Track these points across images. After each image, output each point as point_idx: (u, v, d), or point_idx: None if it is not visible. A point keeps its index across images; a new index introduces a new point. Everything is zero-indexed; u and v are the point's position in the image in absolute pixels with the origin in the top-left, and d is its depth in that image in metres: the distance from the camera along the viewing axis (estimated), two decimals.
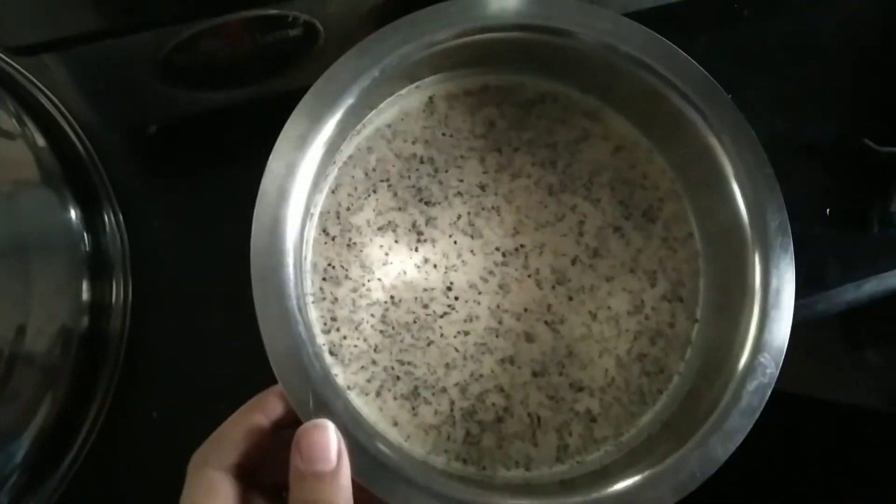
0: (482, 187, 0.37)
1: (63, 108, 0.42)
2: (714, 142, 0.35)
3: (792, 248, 0.34)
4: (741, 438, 0.31)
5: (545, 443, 0.35)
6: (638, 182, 0.38)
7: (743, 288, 0.34)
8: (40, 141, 0.40)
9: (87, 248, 0.40)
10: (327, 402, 0.29)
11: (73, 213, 0.40)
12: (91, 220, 0.41)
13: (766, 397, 0.32)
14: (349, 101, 0.33)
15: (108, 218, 0.42)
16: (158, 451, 0.38)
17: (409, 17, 0.34)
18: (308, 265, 0.35)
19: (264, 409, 0.30)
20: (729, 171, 0.35)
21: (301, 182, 0.32)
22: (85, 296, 0.39)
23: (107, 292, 0.40)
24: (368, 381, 0.34)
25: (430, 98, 0.38)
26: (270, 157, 0.32)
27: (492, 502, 0.30)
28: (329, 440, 0.28)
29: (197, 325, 0.41)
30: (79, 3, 0.32)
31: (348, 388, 0.34)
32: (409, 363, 0.35)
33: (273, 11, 0.36)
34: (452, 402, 0.35)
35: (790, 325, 0.33)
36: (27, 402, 0.36)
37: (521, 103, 0.38)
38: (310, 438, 0.27)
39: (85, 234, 0.40)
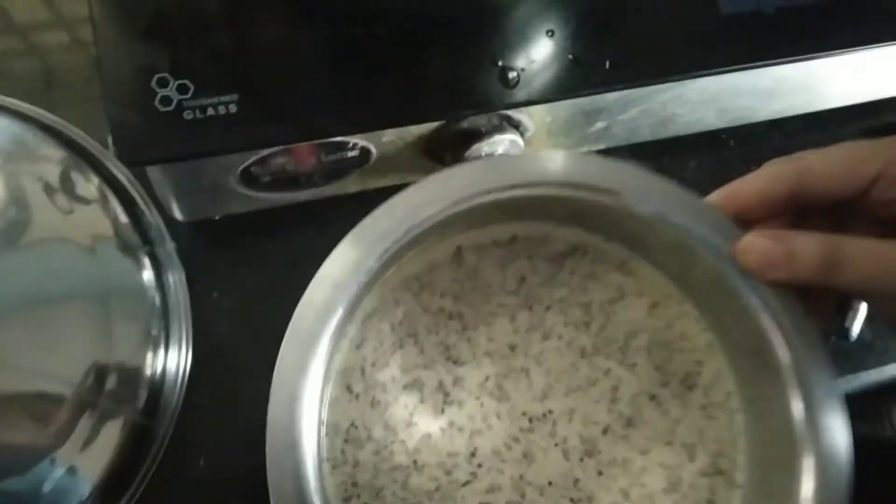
0: (512, 348, 0.36)
1: (140, 187, 0.46)
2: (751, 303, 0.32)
3: (840, 401, 0.31)
4: None
5: None
6: (676, 344, 0.36)
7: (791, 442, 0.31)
8: (117, 208, 0.45)
9: (157, 306, 0.44)
10: None
11: (144, 275, 0.44)
12: (160, 282, 0.45)
13: None
14: (370, 264, 0.32)
15: (175, 282, 0.46)
16: (205, 494, 0.43)
17: (441, 175, 0.34)
18: (328, 427, 0.35)
19: None
20: (768, 332, 0.32)
21: (318, 359, 0.31)
22: (151, 347, 0.43)
23: (171, 345, 0.44)
24: None
25: (458, 249, 0.37)
26: (288, 329, 0.31)
27: None
28: None
29: (244, 387, 0.43)
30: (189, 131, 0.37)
31: None
32: None
33: (338, 139, 0.41)
34: None
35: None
36: (94, 446, 0.40)
37: (552, 256, 0.37)
38: None
39: (155, 294, 0.44)
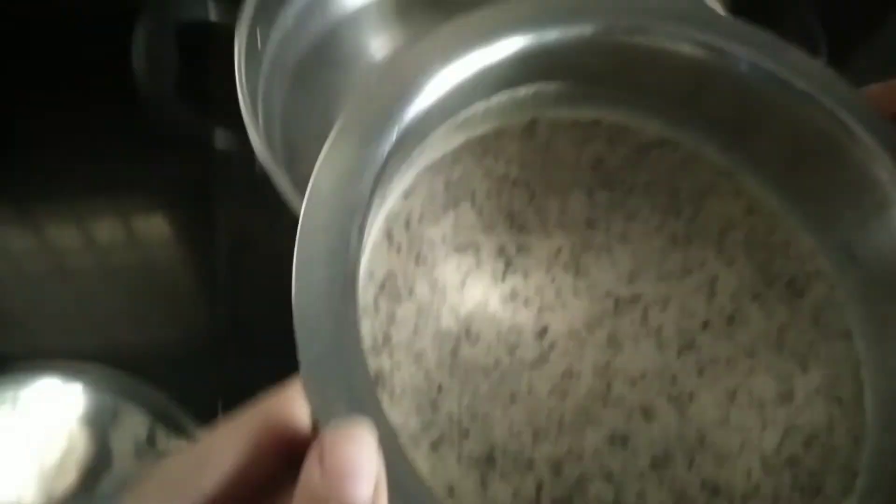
0: (589, 223, 0.29)
1: None
2: None
3: None
4: None
5: None
6: (779, 250, 0.30)
7: None
8: None
9: None
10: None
11: None
12: None
13: None
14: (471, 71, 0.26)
15: None
16: None
17: None
18: (361, 271, 0.26)
19: (279, 416, 0.19)
20: None
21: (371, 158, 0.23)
22: None
23: None
24: (423, 428, 0.24)
25: (533, 121, 0.31)
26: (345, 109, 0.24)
27: None
28: (369, 459, 0.16)
29: None
30: None
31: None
32: (483, 417, 0.24)
33: None
34: (541, 484, 0.24)
35: None
36: None
37: (636, 145, 0.32)
38: (340, 448, 0.16)
39: None
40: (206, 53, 0.51)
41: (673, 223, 0.30)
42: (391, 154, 0.23)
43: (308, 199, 0.21)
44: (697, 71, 0.27)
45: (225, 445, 0.17)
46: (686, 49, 0.27)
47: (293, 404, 0.18)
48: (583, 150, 0.31)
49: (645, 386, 0.26)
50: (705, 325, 0.28)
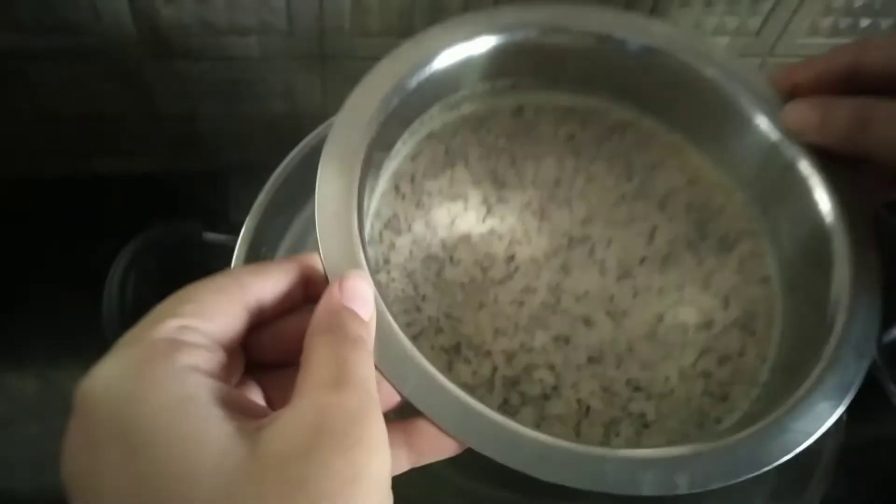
0: (556, 182, 0.37)
1: None
2: (800, 175, 0.33)
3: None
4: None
5: (589, 435, 0.30)
6: (715, 212, 0.37)
7: (816, 352, 0.29)
8: None
9: None
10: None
11: None
12: None
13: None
14: (457, 58, 0.33)
15: None
16: None
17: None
18: (371, 212, 0.34)
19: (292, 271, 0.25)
20: (816, 206, 0.33)
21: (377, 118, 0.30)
22: None
23: None
24: (408, 325, 0.31)
25: (520, 107, 0.39)
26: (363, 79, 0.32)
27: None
28: (370, 295, 0.24)
29: None
30: None
31: None
32: (456, 318, 0.32)
33: None
34: (495, 368, 0.31)
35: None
36: None
37: (604, 127, 0.39)
38: (354, 282, 0.24)
39: None
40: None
41: (625, 185, 0.37)
42: (394, 114, 0.31)
43: (327, 144, 0.29)
44: (642, 64, 0.35)
45: (277, 270, 0.24)
46: (630, 47, 0.35)
47: (315, 262, 0.26)
48: (559, 128, 0.39)
49: (587, 302, 0.33)
50: (642, 260, 0.35)
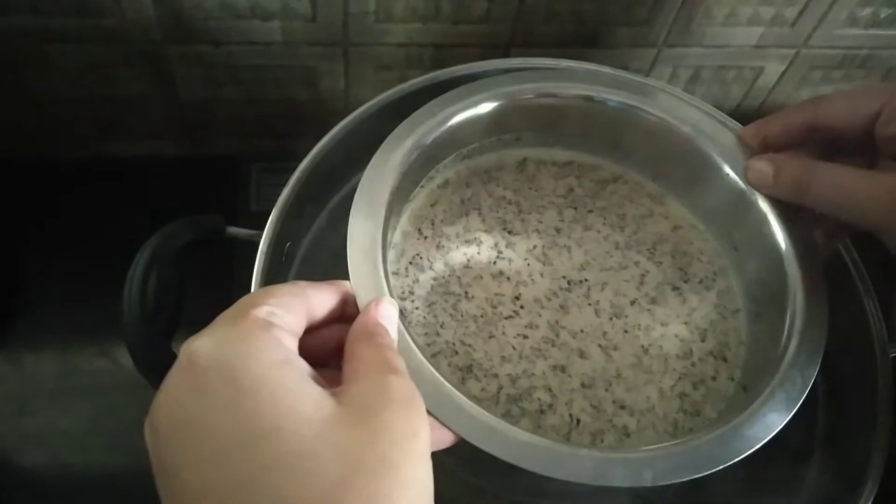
0: (557, 230, 0.42)
1: None
2: (766, 218, 0.39)
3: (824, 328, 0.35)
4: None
5: (577, 441, 0.35)
6: (696, 256, 0.43)
7: (771, 369, 0.35)
8: None
9: None
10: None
11: None
12: None
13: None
14: (465, 117, 0.40)
15: None
16: None
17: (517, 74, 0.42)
18: (394, 250, 0.40)
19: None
20: (778, 246, 0.38)
21: (405, 161, 0.36)
22: None
23: None
24: (428, 345, 0.37)
25: (524, 159, 0.45)
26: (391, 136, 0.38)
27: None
28: (396, 317, 0.29)
29: None
30: None
31: None
32: (469, 345, 0.37)
33: None
34: (501, 387, 0.36)
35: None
36: None
37: (597, 180, 0.45)
38: (386, 305, 0.29)
39: None
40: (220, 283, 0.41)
41: (618, 235, 0.43)
42: (413, 164, 0.37)
43: (358, 193, 0.35)
44: (621, 121, 0.41)
45: (328, 289, 0.29)
46: (609, 105, 0.41)
47: (351, 288, 0.30)
48: (559, 182, 0.45)
49: (583, 337, 0.39)
50: (633, 302, 0.40)
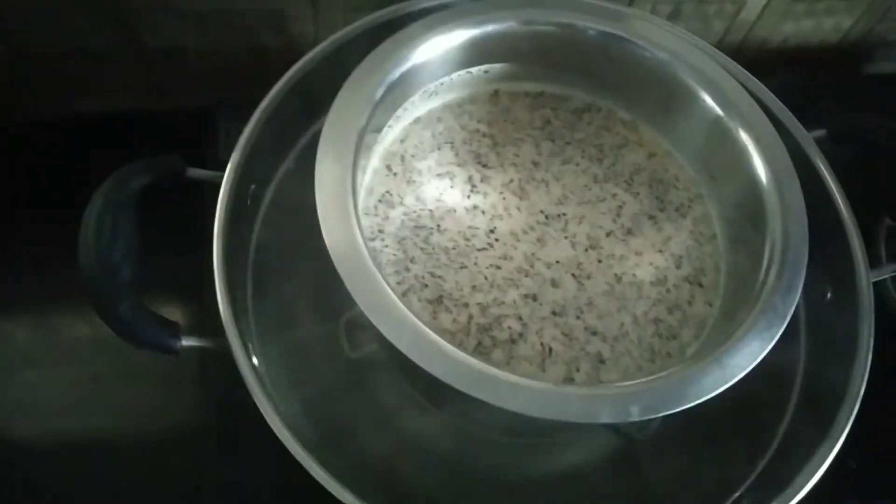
0: (535, 164, 0.42)
1: None
2: (742, 144, 0.38)
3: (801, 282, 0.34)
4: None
5: (553, 371, 0.35)
6: (672, 183, 0.42)
7: (753, 297, 0.35)
8: None
9: None
10: None
11: None
12: None
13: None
14: (432, 53, 0.39)
15: None
16: None
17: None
18: (364, 189, 0.40)
19: None
20: (755, 171, 0.38)
21: (367, 104, 0.36)
22: None
23: None
24: (398, 283, 0.37)
25: (496, 91, 0.44)
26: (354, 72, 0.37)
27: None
28: None
29: None
30: None
31: None
32: (439, 277, 0.37)
33: None
34: (471, 317, 0.36)
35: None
36: None
37: (572, 109, 0.44)
38: None
39: None
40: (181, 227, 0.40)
41: (596, 168, 0.42)
42: (381, 101, 0.37)
43: (324, 134, 0.35)
44: (595, 49, 0.40)
45: None
46: (588, 34, 0.40)
47: None
48: (534, 113, 0.44)
49: (557, 268, 0.38)
50: (609, 234, 0.40)
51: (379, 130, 0.39)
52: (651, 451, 0.40)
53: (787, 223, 0.35)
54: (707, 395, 0.31)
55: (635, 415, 0.30)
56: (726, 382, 0.31)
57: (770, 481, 0.37)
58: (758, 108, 0.38)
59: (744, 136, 0.38)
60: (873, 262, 0.40)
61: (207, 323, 0.34)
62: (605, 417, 0.30)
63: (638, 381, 0.31)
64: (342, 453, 0.35)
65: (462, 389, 0.29)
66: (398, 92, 0.37)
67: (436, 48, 0.38)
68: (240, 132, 0.39)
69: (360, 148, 0.35)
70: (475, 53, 0.40)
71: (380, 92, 0.36)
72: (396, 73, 0.36)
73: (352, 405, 0.40)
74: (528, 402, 0.29)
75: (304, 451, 0.31)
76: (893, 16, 0.62)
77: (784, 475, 0.36)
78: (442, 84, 0.41)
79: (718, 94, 0.38)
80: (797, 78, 0.65)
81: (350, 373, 0.40)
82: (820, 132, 0.43)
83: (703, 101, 0.39)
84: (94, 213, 0.33)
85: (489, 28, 0.39)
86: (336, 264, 0.30)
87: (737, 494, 0.38)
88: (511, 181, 0.41)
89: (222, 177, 0.37)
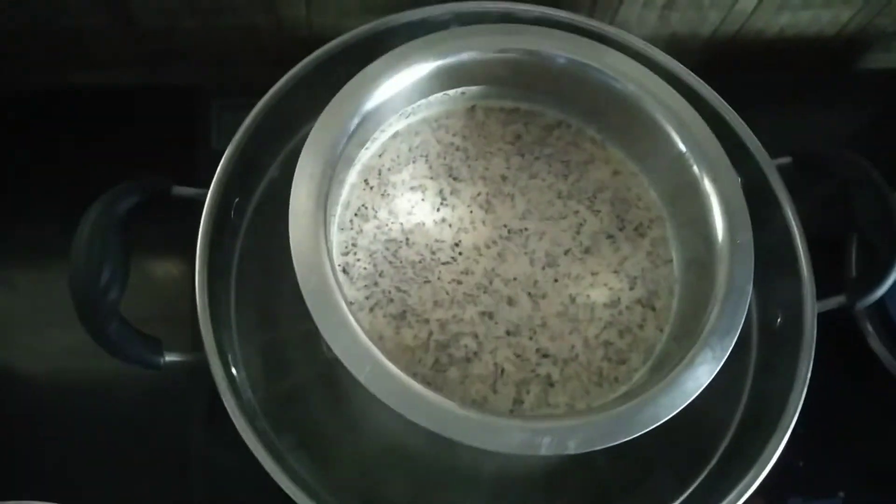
0: (503, 178, 0.44)
1: None
2: (701, 183, 0.41)
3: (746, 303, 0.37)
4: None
5: (504, 392, 0.39)
6: (634, 202, 0.44)
7: (698, 330, 0.37)
8: None
9: None
10: None
11: None
12: None
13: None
14: (406, 81, 0.41)
15: None
16: None
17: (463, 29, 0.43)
18: (341, 204, 0.42)
19: None
20: (710, 210, 0.40)
21: (345, 128, 0.38)
22: None
23: None
24: (367, 297, 0.40)
25: (473, 107, 0.46)
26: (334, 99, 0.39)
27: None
28: None
29: None
30: None
31: (350, 303, 0.39)
32: (404, 291, 0.40)
33: None
34: (431, 332, 0.40)
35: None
36: None
37: (543, 125, 0.46)
38: None
39: None
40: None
41: (561, 184, 0.44)
42: (356, 130, 0.39)
43: (302, 155, 0.37)
44: (564, 75, 0.42)
45: None
46: (557, 62, 0.42)
47: None
48: (507, 128, 0.46)
49: (514, 285, 0.41)
50: (567, 251, 0.42)
51: (356, 154, 0.41)
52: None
53: (733, 267, 0.37)
54: (637, 432, 0.34)
55: (572, 448, 0.33)
56: (657, 420, 0.34)
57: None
58: (720, 150, 0.40)
59: (704, 179, 0.40)
60: (828, 292, 0.42)
61: (194, 337, 0.37)
62: (545, 450, 0.33)
63: (578, 417, 0.34)
64: (319, 454, 0.39)
65: (422, 424, 0.33)
66: (374, 119, 0.40)
67: (410, 77, 0.39)
68: (230, 118, 0.41)
69: (333, 184, 0.37)
70: (451, 78, 0.42)
71: (355, 122, 0.38)
72: (371, 105, 0.38)
73: (330, 403, 0.43)
74: (474, 434, 0.33)
75: (276, 466, 0.34)
76: (893, 10, 0.62)
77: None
78: (419, 105, 0.42)
79: (683, 131, 0.40)
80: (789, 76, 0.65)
81: (329, 372, 0.43)
82: (785, 159, 0.44)
83: (668, 135, 0.40)
84: (83, 238, 0.35)
85: (464, 56, 0.40)
86: (307, 301, 0.33)
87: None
88: (479, 194, 0.43)
89: (206, 195, 0.40)
